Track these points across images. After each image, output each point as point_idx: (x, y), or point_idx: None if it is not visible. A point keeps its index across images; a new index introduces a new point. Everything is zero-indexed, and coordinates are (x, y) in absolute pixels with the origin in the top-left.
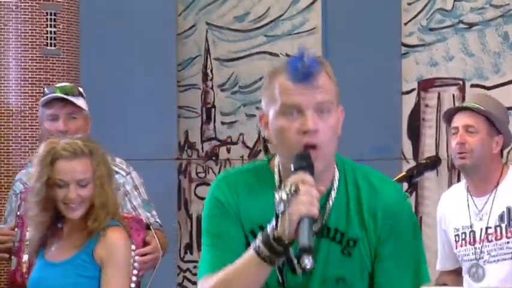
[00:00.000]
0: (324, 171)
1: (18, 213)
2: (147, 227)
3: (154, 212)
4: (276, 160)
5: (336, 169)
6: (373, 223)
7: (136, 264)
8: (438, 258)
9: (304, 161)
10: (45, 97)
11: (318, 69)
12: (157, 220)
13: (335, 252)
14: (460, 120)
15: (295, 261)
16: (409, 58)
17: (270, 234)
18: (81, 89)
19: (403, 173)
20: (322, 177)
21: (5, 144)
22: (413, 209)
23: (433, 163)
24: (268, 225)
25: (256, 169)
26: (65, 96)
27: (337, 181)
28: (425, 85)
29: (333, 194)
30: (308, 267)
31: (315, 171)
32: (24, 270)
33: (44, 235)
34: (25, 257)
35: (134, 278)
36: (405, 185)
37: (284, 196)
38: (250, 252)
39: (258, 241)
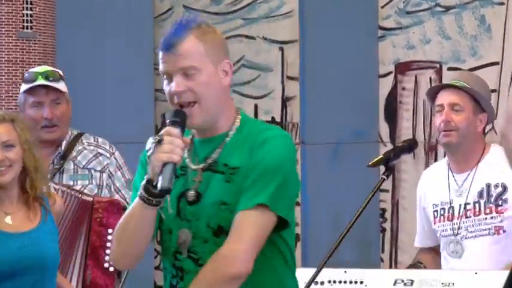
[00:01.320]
0: (212, 122)
1: None
2: (124, 209)
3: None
4: None
5: (238, 119)
6: (251, 152)
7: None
8: (417, 235)
9: (177, 116)
10: (28, 85)
11: (181, 38)
12: None
13: (218, 180)
14: (445, 98)
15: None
16: (386, 41)
17: (145, 178)
18: (60, 72)
19: (380, 156)
20: (217, 125)
21: None
22: (390, 192)
23: (410, 146)
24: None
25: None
26: (48, 83)
27: (234, 129)
28: (402, 68)
29: (227, 138)
30: (164, 189)
31: (194, 125)
32: None
33: None
34: None
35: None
36: (382, 168)
37: (150, 145)
38: (136, 198)
39: (140, 187)
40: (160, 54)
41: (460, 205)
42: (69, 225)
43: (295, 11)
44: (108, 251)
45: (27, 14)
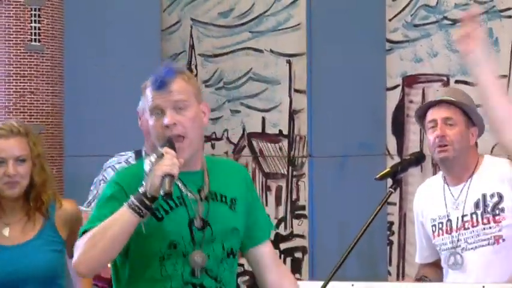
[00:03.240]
0: (194, 156)
1: None
2: None
3: None
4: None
5: (204, 158)
6: (245, 185)
7: None
8: (417, 251)
9: (169, 142)
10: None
11: (172, 78)
12: None
13: (225, 210)
14: (437, 114)
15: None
16: (394, 54)
17: (140, 191)
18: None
19: (387, 170)
20: (194, 161)
21: None
22: (398, 205)
23: (417, 159)
24: (139, 188)
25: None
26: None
27: (205, 164)
28: (410, 81)
29: (206, 176)
30: (166, 192)
31: (182, 159)
32: None
33: None
34: None
35: None
36: (389, 181)
37: (152, 159)
38: (123, 208)
39: (131, 197)
40: (152, 93)
41: (458, 218)
42: None
43: (302, 24)
44: None
45: (35, 27)
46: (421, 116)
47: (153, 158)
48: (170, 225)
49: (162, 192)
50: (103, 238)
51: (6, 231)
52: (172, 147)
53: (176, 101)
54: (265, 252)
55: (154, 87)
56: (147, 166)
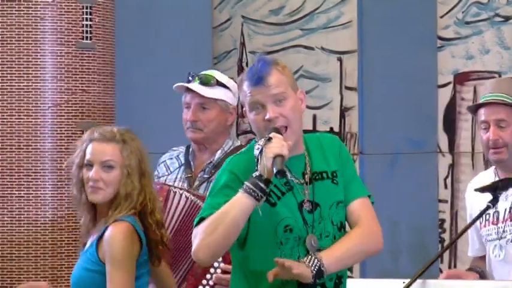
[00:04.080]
0: (296, 143)
1: None
2: None
3: None
4: None
5: (303, 140)
6: (338, 155)
7: (212, 276)
8: (469, 245)
9: (276, 130)
10: (182, 84)
11: (267, 70)
12: None
13: (328, 185)
14: (489, 115)
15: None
16: (445, 51)
17: (253, 175)
18: (217, 77)
19: (489, 183)
20: (296, 146)
21: (41, 137)
22: (449, 203)
23: None
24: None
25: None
26: (193, 87)
27: (305, 146)
28: (461, 78)
29: (307, 158)
30: (280, 171)
31: (289, 146)
32: None
33: (92, 218)
34: None
35: None
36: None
37: (261, 142)
38: (239, 193)
39: (246, 183)
40: (250, 88)
41: (505, 209)
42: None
43: (354, 21)
44: (208, 276)
45: (86, 25)
46: (474, 111)
47: (261, 142)
48: (284, 210)
49: (275, 171)
50: (221, 224)
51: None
52: (279, 133)
53: (275, 94)
54: (357, 206)
55: (252, 82)
56: (256, 151)
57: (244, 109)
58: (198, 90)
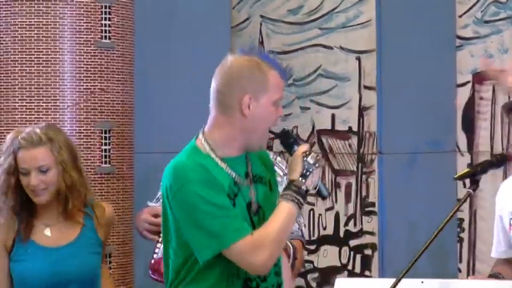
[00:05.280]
0: None
1: None
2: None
3: (300, 219)
4: (201, 139)
5: None
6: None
7: None
8: (494, 246)
9: (291, 137)
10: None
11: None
12: (301, 228)
13: (267, 190)
14: None
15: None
16: (464, 50)
17: (302, 187)
18: None
19: (467, 170)
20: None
21: None
22: (468, 202)
23: (499, 161)
24: (287, 181)
25: (192, 151)
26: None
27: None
28: (480, 78)
29: (247, 156)
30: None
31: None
32: None
33: (24, 219)
34: None
35: None
36: (468, 182)
37: (311, 161)
38: (285, 204)
39: (292, 193)
40: (281, 82)
41: None
42: None
43: (372, 20)
44: None
45: (105, 25)
46: (508, 110)
47: (314, 158)
48: (239, 212)
49: (325, 195)
50: (284, 235)
51: (48, 231)
52: (295, 140)
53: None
54: None
55: (284, 77)
56: (312, 165)
57: (249, 95)
58: None
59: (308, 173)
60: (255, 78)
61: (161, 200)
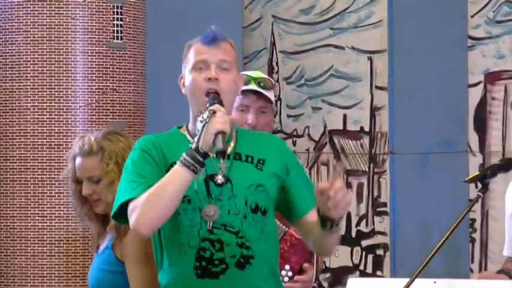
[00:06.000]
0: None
1: None
2: (311, 253)
3: None
4: (184, 127)
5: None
6: (280, 153)
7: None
8: (506, 244)
9: (217, 99)
10: (250, 87)
11: (222, 38)
12: None
13: (248, 168)
14: None
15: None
16: (476, 51)
17: (192, 147)
18: (272, 81)
19: (477, 173)
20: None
21: (72, 137)
22: (480, 202)
23: (508, 165)
24: (190, 144)
25: (170, 133)
26: (260, 90)
27: (233, 129)
28: (492, 78)
29: (235, 133)
30: (221, 150)
31: (230, 121)
32: None
33: (98, 228)
34: None
35: None
36: (478, 185)
37: (205, 116)
38: (176, 166)
39: (183, 155)
40: (200, 46)
41: None
42: None
43: (384, 20)
44: None
45: (117, 25)
46: None
47: (205, 114)
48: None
49: (217, 149)
50: (161, 198)
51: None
52: (221, 104)
53: (222, 59)
54: (313, 218)
55: (206, 40)
56: (199, 123)
57: (180, 75)
58: (267, 94)
59: (197, 132)
60: (183, 59)
61: None
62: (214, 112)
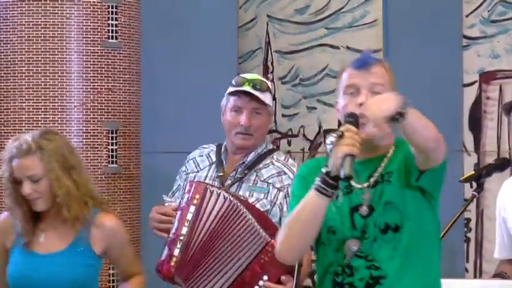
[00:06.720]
0: (379, 139)
1: (181, 205)
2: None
3: None
4: None
5: (393, 144)
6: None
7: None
8: (496, 247)
9: (352, 117)
10: (233, 88)
11: (374, 61)
12: None
13: (391, 187)
14: None
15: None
16: (471, 50)
17: (323, 171)
18: (269, 84)
19: (472, 172)
20: (379, 146)
21: (67, 136)
22: (475, 202)
23: (502, 165)
24: (322, 168)
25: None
26: (253, 91)
27: (391, 152)
28: (487, 77)
29: (386, 159)
30: (346, 176)
31: (366, 133)
32: (173, 264)
33: (29, 226)
34: (176, 251)
35: None
36: (474, 184)
37: (332, 139)
38: (310, 191)
39: (316, 180)
40: (350, 71)
41: None
42: (233, 245)
43: (379, 20)
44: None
45: (112, 24)
46: (509, 111)
47: (333, 137)
48: (331, 210)
49: (342, 175)
50: (295, 225)
51: (42, 237)
52: (356, 123)
53: (374, 83)
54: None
55: (356, 65)
56: (328, 145)
57: (335, 100)
58: (260, 96)
59: (327, 155)
60: (337, 84)
61: (176, 194)
62: (342, 134)
